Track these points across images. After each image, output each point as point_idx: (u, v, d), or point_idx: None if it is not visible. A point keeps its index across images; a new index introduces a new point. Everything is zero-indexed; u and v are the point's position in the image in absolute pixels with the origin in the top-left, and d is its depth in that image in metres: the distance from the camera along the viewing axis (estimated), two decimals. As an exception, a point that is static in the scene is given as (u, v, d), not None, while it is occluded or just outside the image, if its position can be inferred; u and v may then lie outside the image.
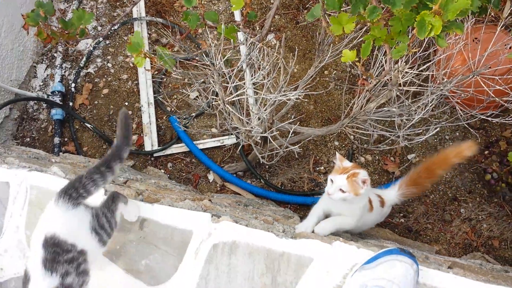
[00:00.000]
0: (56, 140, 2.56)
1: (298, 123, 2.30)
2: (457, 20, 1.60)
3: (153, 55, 1.71)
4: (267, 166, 2.35)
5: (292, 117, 2.13)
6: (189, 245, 1.45)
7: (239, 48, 2.46)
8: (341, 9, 1.66)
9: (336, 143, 2.32)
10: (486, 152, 2.14)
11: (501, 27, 1.74)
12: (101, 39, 2.72)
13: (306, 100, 2.37)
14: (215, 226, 1.45)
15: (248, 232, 1.42)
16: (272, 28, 2.56)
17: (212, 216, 1.48)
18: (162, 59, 1.63)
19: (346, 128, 1.92)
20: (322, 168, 2.29)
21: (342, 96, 2.24)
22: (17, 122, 2.67)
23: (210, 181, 2.40)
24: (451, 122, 1.94)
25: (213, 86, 1.63)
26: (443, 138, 2.23)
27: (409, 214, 2.11)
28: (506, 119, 1.80)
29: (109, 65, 2.70)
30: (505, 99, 1.72)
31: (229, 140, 2.41)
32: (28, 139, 2.64)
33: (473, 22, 1.80)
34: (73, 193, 1.22)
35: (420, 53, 1.71)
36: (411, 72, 1.57)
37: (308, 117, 2.36)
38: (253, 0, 2.68)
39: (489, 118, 1.75)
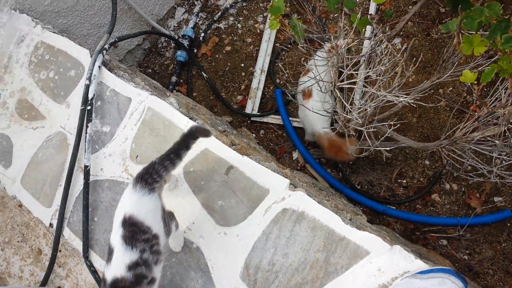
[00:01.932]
0: (173, 78, 2.81)
1: (397, 131, 2.31)
2: None
3: (287, 24, 1.83)
4: (351, 162, 2.40)
5: (392, 123, 2.15)
6: (263, 202, 1.58)
7: (363, 41, 2.50)
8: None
9: (427, 162, 2.30)
10: None
11: None
12: (239, 0, 2.91)
13: (410, 112, 2.37)
14: (290, 193, 1.56)
15: (318, 208, 1.51)
16: (401, 33, 2.56)
17: (290, 184, 1.59)
18: (294, 30, 1.73)
19: (443, 149, 1.91)
20: (404, 181, 2.30)
21: (449, 118, 2.21)
22: (145, 53, 2.98)
23: (293, 158, 2.51)
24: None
25: (329, 68, 1.71)
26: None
27: (475, 253, 2.07)
28: None
29: (239, 25, 2.88)
30: None
31: (324, 127, 2.49)
32: (150, 71, 2.94)
33: None
34: (148, 178, 1.37)
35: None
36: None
37: (408, 128, 2.36)
38: (391, 1, 2.68)
39: None
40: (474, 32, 1.63)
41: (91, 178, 1.81)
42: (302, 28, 1.72)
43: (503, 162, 1.74)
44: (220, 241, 1.58)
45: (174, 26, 3.01)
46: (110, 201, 1.77)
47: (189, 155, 1.71)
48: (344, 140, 2.12)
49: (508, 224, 2.13)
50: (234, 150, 1.69)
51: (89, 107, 1.86)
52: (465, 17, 1.59)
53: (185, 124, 1.76)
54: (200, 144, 1.71)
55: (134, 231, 1.31)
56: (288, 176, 1.69)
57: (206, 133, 1.52)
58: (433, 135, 2.29)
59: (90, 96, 1.87)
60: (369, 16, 1.90)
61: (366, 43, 2.47)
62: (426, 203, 2.23)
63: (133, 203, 1.35)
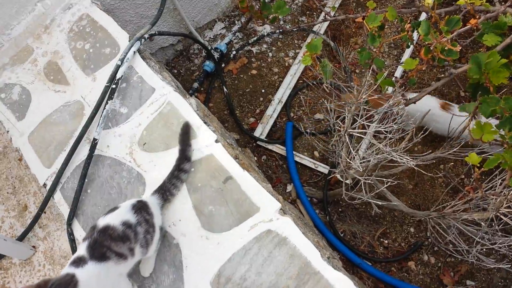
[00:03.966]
0: (195, 85, 2.91)
1: (391, 191, 2.38)
2: None
3: (318, 63, 1.93)
4: (340, 209, 2.46)
5: (389, 181, 2.22)
6: (251, 218, 1.63)
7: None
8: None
9: (412, 229, 2.36)
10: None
11: None
12: (278, 31, 3.04)
13: (408, 179, 2.44)
14: (278, 216, 1.62)
15: (301, 238, 1.56)
16: (417, 104, 2.67)
17: (280, 209, 1.65)
18: (324, 69, 1.83)
19: (430, 220, 1.98)
20: (386, 242, 2.35)
21: (442, 193, 2.28)
22: (176, 54, 3.08)
23: (287, 191, 2.57)
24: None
25: (345, 114, 1.80)
26: (508, 286, 2.17)
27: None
28: None
29: (270, 54, 3.00)
30: None
31: (323, 169, 2.56)
32: (175, 71, 3.04)
33: None
34: (164, 194, 1.68)
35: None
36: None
37: (402, 193, 2.43)
38: (421, 71, 2.81)
39: None
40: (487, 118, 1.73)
41: (96, 152, 1.86)
42: (331, 69, 1.82)
43: (483, 246, 1.80)
44: (201, 244, 1.62)
45: (210, 37, 3.13)
46: (107, 178, 1.81)
47: (194, 156, 1.78)
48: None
49: (473, 311, 2.17)
50: (237, 163, 1.76)
51: (113, 86, 1.94)
52: (482, 101, 1.69)
53: (198, 126, 1.83)
54: (207, 149, 1.78)
55: (143, 208, 1.55)
56: (280, 202, 1.75)
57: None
58: (424, 206, 2.35)
59: (118, 76, 1.95)
60: (394, 78, 2.01)
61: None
62: (401, 268, 2.27)
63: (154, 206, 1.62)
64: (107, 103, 1.92)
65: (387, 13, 1.76)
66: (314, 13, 3.13)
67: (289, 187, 2.57)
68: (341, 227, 2.40)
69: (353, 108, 1.78)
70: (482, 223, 1.73)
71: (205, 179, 1.73)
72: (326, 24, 3.03)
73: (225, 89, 2.86)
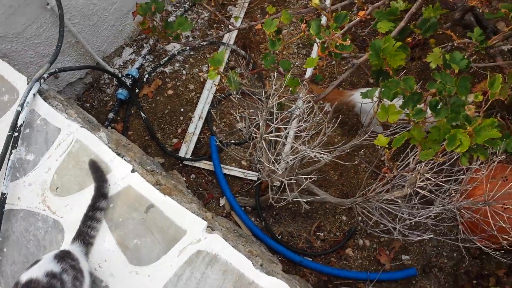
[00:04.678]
0: (111, 115, 2.84)
1: (319, 186, 2.44)
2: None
3: (224, 75, 1.95)
4: (274, 212, 2.49)
5: (316, 178, 2.28)
6: (178, 242, 1.61)
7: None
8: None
9: (344, 217, 2.43)
10: (475, 282, 2.19)
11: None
12: (188, 48, 3.03)
13: (333, 170, 2.52)
14: (206, 235, 1.61)
15: (231, 252, 1.57)
16: (331, 97, 2.77)
17: (207, 227, 1.65)
18: (229, 81, 1.85)
19: (357, 206, 2.05)
20: (322, 235, 2.41)
21: (363, 177, 2.38)
22: (86, 87, 2.99)
23: (220, 205, 2.57)
24: (451, 240, 2.02)
25: (258, 120, 1.83)
26: (441, 253, 2.30)
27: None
28: (504, 257, 1.86)
29: (184, 72, 2.99)
30: (504, 236, 1.80)
31: (252, 176, 2.58)
32: (88, 105, 2.95)
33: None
34: (83, 240, 1.61)
35: (447, 167, 1.84)
36: (428, 178, 1.70)
37: (329, 184, 2.50)
38: (326, 68, 2.91)
39: (486, 250, 1.83)
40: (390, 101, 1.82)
41: (7, 207, 1.76)
42: (237, 81, 1.84)
43: (405, 222, 1.89)
44: (131, 281, 1.58)
45: (120, 64, 3.07)
46: (22, 231, 1.72)
47: (112, 191, 1.74)
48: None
49: (414, 282, 2.27)
50: (158, 189, 1.73)
51: (16, 134, 1.84)
52: (383, 86, 1.77)
53: (111, 159, 1.79)
54: (124, 181, 1.74)
55: (66, 255, 1.50)
56: (207, 219, 1.74)
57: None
58: (352, 193, 2.44)
59: (19, 122, 1.86)
60: (299, 78, 2.06)
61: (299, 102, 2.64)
62: (340, 256, 2.34)
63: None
64: (11, 153, 1.82)
65: (281, 17, 1.81)
66: (222, 25, 3.16)
67: (222, 201, 2.57)
68: (278, 230, 2.43)
69: (264, 113, 1.81)
70: (399, 201, 1.82)
71: (126, 212, 1.69)
72: (234, 34, 3.06)
73: (142, 115, 2.82)
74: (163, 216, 1.66)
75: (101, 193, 1.69)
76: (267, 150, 1.81)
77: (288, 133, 2.16)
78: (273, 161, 1.93)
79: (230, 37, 3.03)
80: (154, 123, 2.83)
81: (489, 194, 1.83)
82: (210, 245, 1.59)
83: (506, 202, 1.92)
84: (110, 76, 3.01)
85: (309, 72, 2.89)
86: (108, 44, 2.98)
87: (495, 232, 1.79)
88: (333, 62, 2.91)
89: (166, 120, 2.85)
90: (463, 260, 2.22)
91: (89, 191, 1.72)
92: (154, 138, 2.77)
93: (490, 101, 1.41)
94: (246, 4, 3.04)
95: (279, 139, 1.85)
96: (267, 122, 1.95)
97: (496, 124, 1.39)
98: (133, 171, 1.77)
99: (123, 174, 1.76)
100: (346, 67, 2.91)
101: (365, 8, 1.74)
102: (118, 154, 1.83)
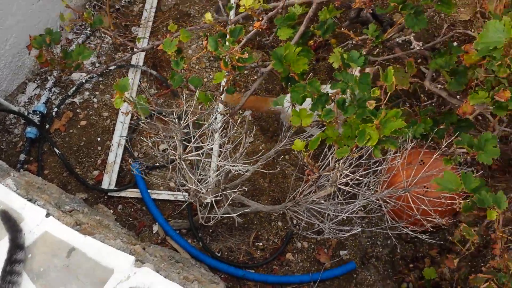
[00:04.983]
0: (22, 156, 2.65)
1: (250, 196, 2.44)
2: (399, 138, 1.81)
3: (131, 100, 1.88)
4: (210, 230, 2.45)
5: (246, 189, 2.27)
6: (107, 283, 1.52)
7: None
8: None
9: (280, 223, 2.45)
10: (411, 265, 2.29)
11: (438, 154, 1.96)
12: (94, 75, 2.91)
13: (262, 178, 2.53)
14: (136, 270, 1.54)
15: (164, 283, 1.51)
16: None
17: (136, 261, 1.57)
18: (137, 107, 1.79)
19: (288, 211, 2.07)
20: (261, 244, 2.40)
21: (291, 181, 2.40)
22: (-9, 131, 2.78)
23: (154, 232, 2.48)
24: (382, 229, 2.09)
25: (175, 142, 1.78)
26: (375, 243, 2.38)
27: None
28: (432, 238, 1.96)
29: (95, 100, 2.87)
30: (429, 219, 1.90)
31: (182, 197, 2.52)
32: (-4, 149, 2.73)
33: (421, 146, 2.02)
34: None
35: (365, 160, 1.90)
36: (348, 174, 1.75)
37: (261, 193, 2.51)
38: (240, 78, 2.92)
39: (414, 234, 1.91)
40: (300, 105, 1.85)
41: None
42: (146, 105, 1.78)
43: (338, 217, 1.93)
44: (61, 332, 1.47)
45: (25, 101, 2.88)
46: None
47: (27, 240, 1.61)
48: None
49: (355, 275, 2.33)
50: (77, 230, 1.63)
51: None
52: (291, 91, 1.80)
53: (21, 206, 1.66)
54: (39, 227, 1.62)
55: None
56: (137, 253, 1.67)
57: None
58: (283, 198, 2.46)
59: None
60: (208, 92, 2.03)
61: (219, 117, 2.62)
62: (281, 263, 2.35)
63: None
64: None
65: (180, 36, 1.78)
66: (128, 47, 3.07)
67: (155, 227, 2.48)
68: (216, 247, 2.39)
69: (178, 134, 1.77)
70: (323, 201, 1.86)
71: (46, 260, 1.57)
72: (142, 54, 2.98)
73: (57, 151, 2.65)
74: (87, 258, 1.56)
75: (16, 244, 1.56)
76: (187, 171, 1.76)
77: (207, 150, 2.13)
78: (196, 182, 1.89)
79: (138, 58, 2.95)
80: (71, 157, 2.68)
81: (408, 180, 1.92)
82: (141, 280, 1.52)
83: (426, 185, 2.02)
84: (16, 116, 2.81)
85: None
86: (9, 82, 2.79)
87: (419, 216, 1.87)
88: (246, 72, 2.93)
89: (83, 152, 2.71)
90: (397, 247, 2.31)
91: (4, 244, 1.58)
92: (73, 173, 2.62)
93: (389, 93, 1.47)
94: (150, 23, 2.97)
95: (199, 158, 1.82)
96: (186, 141, 1.91)
97: (400, 114, 1.46)
98: (47, 215, 1.66)
99: (37, 221, 1.64)
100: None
101: (261, 19, 1.76)
102: (30, 200, 1.71)
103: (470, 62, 1.74)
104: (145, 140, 2.63)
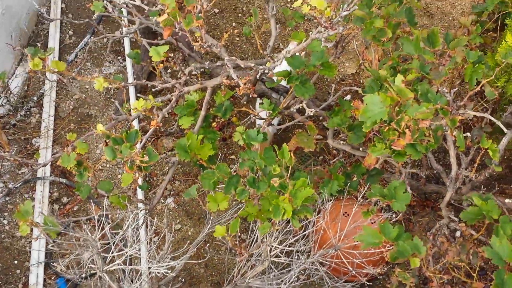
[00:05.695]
0: None
1: (188, 286, 2.35)
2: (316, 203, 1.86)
3: (37, 223, 1.78)
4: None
5: (183, 280, 2.19)
6: None
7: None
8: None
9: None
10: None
11: (359, 203, 2.04)
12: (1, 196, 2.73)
13: (197, 264, 2.45)
14: None
15: None
16: (171, 193, 2.75)
17: None
18: (45, 228, 1.69)
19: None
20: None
21: (232, 262, 2.35)
22: None
23: None
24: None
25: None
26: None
27: None
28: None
29: (5, 221, 2.69)
30: (365, 271, 1.93)
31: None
32: None
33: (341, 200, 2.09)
34: None
35: (290, 228, 1.92)
36: (277, 246, 1.75)
37: (199, 280, 2.42)
38: (156, 167, 2.88)
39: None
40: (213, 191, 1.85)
41: None
42: (54, 225, 1.70)
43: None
44: None
45: None
46: None
47: None
48: None
49: None
50: None
51: None
52: (201, 180, 1.81)
53: None
54: None
55: None
56: None
57: None
58: (223, 280, 2.39)
59: None
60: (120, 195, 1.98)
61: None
62: None
63: None
64: None
65: (77, 148, 1.74)
66: (32, 159, 2.94)
67: None
68: None
69: (95, 249, 1.69)
70: (260, 276, 1.84)
71: None
72: (48, 166, 2.85)
73: (-32, 287, 2.41)
74: None
75: None
76: (111, 283, 1.67)
77: (134, 253, 2.05)
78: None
79: (44, 169, 2.81)
80: (-13, 289, 2.44)
81: (336, 237, 1.96)
82: None
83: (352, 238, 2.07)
84: None
85: (140, 180, 2.83)
86: None
87: (352, 271, 1.90)
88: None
89: (1, 280, 2.49)
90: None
91: None
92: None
93: (291, 165, 1.52)
94: (51, 132, 2.88)
95: (124, 266, 1.74)
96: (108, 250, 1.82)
97: (307, 183, 1.51)
98: None
99: None
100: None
101: (157, 116, 1.78)
102: None
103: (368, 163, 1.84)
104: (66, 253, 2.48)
